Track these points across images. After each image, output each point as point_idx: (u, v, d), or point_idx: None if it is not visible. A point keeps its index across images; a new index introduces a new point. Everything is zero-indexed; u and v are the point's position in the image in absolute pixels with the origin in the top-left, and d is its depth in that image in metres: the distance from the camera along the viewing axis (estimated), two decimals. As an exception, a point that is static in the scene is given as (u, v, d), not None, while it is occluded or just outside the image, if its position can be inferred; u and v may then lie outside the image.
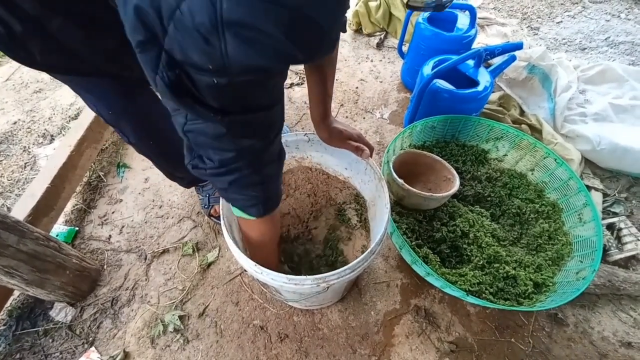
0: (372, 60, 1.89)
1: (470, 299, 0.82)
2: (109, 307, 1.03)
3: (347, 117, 1.60)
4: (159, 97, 0.42)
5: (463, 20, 1.47)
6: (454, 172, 1.06)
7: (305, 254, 0.99)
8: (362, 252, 0.77)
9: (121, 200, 1.29)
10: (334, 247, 0.98)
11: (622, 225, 1.15)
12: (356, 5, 2.01)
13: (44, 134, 1.54)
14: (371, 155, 0.84)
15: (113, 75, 0.66)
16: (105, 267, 1.11)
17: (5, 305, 0.98)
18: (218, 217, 1.15)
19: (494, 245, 0.98)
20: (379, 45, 1.97)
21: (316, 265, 0.97)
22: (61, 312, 1.01)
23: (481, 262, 0.95)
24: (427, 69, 1.26)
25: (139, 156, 1.42)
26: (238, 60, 0.29)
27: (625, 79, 1.48)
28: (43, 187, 1.06)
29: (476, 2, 2.18)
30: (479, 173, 1.19)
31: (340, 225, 1.02)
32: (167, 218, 1.23)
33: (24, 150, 1.47)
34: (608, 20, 2.10)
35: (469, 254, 0.98)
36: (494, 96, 1.54)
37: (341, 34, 0.78)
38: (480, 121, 1.21)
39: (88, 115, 1.31)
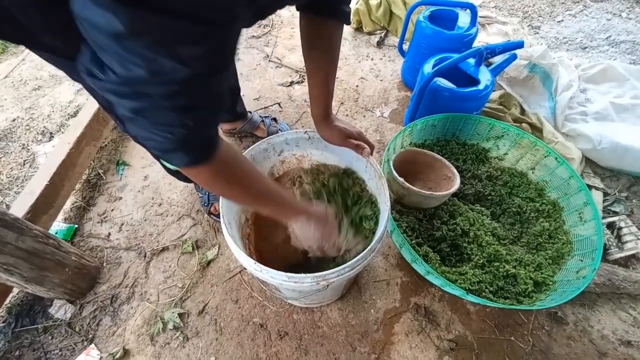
0: (372, 59, 1.89)
1: (470, 298, 0.82)
2: (108, 304, 1.03)
3: (347, 115, 1.59)
4: None
5: (464, 18, 1.46)
6: (455, 170, 1.06)
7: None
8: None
9: (120, 198, 1.28)
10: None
11: (622, 224, 1.15)
12: (357, 3, 2.00)
13: (43, 131, 1.53)
14: (372, 154, 0.84)
15: (58, 52, 0.59)
16: (104, 264, 1.11)
17: (5, 303, 0.98)
18: (218, 215, 1.15)
19: (494, 244, 0.98)
20: (380, 44, 1.96)
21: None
22: (60, 310, 1.01)
23: (481, 261, 0.94)
24: (428, 68, 1.25)
25: (139, 154, 1.42)
26: None
27: (627, 78, 1.47)
28: (42, 184, 1.06)
29: (477, 0, 2.17)
30: (480, 172, 1.19)
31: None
32: (167, 216, 1.23)
33: (23, 148, 1.47)
34: (609, 19, 2.10)
35: (469, 252, 0.98)
36: (494, 95, 1.54)
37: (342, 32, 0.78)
38: (480, 120, 1.21)
39: (87, 112, 1.31)
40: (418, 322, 0.99)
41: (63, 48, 0.54)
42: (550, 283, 0.92)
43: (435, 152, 1.16)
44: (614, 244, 1.11)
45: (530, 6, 2.25)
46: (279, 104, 1.62)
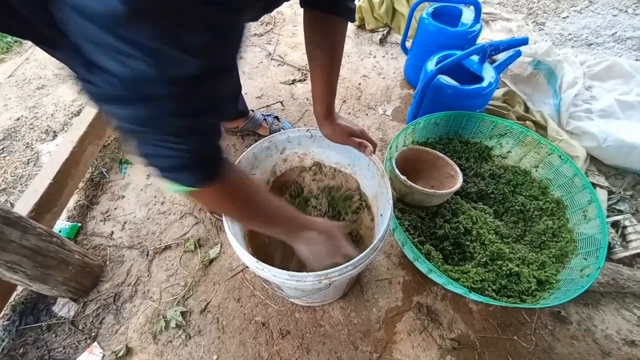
0: (375, 57, 1.88)
1: (473, 296, 0.82)
2: (111, 302, 1.04)
3: (349, 113, 1.59)
4: None
5: (467, 15, 1.45)
6: (457, 168, 1.05)
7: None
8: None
9: (123, 197, 1.29)
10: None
11: (627, 222, 1.14)
12: (359, 0, 1.99)
13: (46, 130, 1.54)
14: (374, 152, 0.84)
15: (47, 41, 0.57)
16: (107, 263, 1.12)
17: (9, 301, 0.99)
18: (220, 214, 1.15)
19: (497, 242, 0.97)
20: (382, 41, 1.95)
21: None
22: (64, 308, 1.02)
23: (484, 259, 0.94)
24: (431, 65, 1.24)
25: (141, 152, 1.42)
26: None
27: (633, 75, 1.46)
28: (46, 183, 1.06)
29: (481, -3, 2.15)
30: (483, 170, 1.18)
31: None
32: (169, 214, 1.23)
33: (27, 147, 1.48)
34: (615, 15, 2.07)
35: (471, 251, 0.97)
36: (498, 92, 1.53)
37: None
38: (484, 117, 1.20)
39: (90, 111, 1.31)
40: (420, 321, 0.99)
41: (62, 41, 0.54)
42: (554, 282, 0.91)
43: (438, 150, 1.16)
44: (619, 243, 1.10)
45: (534, 2, 2.22)
46: (281, 102, 1.61)
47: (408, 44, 1.67)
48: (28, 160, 1.43)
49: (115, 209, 1.26)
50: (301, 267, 0.87)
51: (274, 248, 0.95)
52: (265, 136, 0.90)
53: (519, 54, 1.23)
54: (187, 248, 1.14)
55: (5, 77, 1.81)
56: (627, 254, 1.07)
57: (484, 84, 1.17)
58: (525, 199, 1.11)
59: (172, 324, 0.99)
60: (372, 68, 1.81)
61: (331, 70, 0.75)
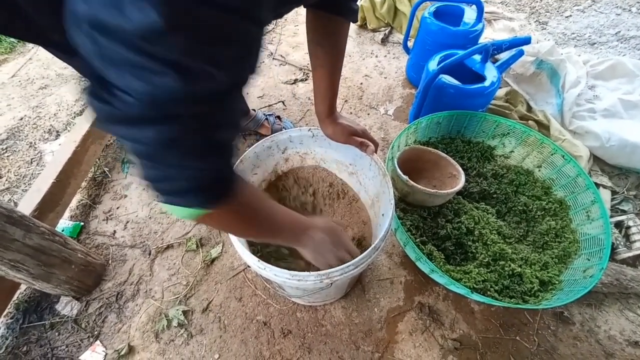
0: (376, 56, 1.87)
1: (475, 297, 0.81)
2: (113, 301, 1.04)
3: (351, 113, 1.58)
4: None
5: (470, 14, 1.44)
6: (459, 168, 1.05)
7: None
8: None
9: (126, 196, 1.29)
10: None
11: (630, 223, 1.13)
12: (361, 0, 1.99)
13: (49, 129, 1.55)
14: (376, 151, 0.84)
15: (56, 44, 0.58)
16: (110, 262, 1.12)
17: (13, 299, 0.99)
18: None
19: (499, 243, 0.97)
20: (384, 41, 1.95)
21: None
22: (67, 306, 1.02)
23: (486, 260, 0.94)
24: (433, 64, 1.24)
25: (144, 152, 1.43)
26: None
27: (636, 74, 1.45)
28: (49, 182, 1.07)
29: (483, -4, 2.15)
30: (485, 170, 1.18)
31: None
32: (171, 214, 1.24)
33: (30, 146, 1.49)
34: (619, 14, 2.06)
35: (474, 251, 0.97)
36: (500, 92, 1.52)
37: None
38: (486, 117, 1.19)
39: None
40: (422, 321, 0.98)
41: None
42: (557, 282, 0.91)
43: (440, 149, 1.15)
44: (622, 243, 1.09)
45: (537, 1, 2.21)
46: (282, 101, 1.62)
47: (410, 44, 1.67)
48: (31, 159, 1.44)
49: (117, 208, 1.26)
50: (307, 266, 0.87)
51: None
52: (266, 136, 0.90)
53: (521, 53, 1.22)
54: (189, 247, 1.14)
55: (8, 77, 1.82)
56: (630, 254, 1.07)
57: (486, 83, 1.17)
58: (528, 199, 1.11)
59: (174, 323, 0.99)
60: (374, 67, 1.80)
61: (333, 70, 0.75)
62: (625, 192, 1.24)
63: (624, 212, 1.19)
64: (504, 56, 1.29)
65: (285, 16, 2.21)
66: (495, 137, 1.23)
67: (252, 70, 0.35)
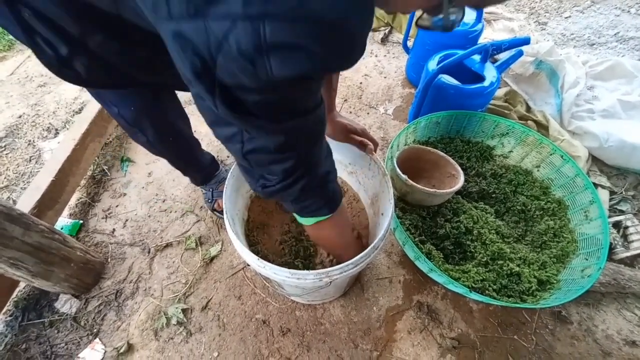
0: (376, 56, 1.88)
1: (474, 296, 0.82)
2: (113, 299, 1.04)
3: (350, 112, 1.59)
4: (217, 121, 0.41)
5: (469, 14, 1.44)
6: (459, 168, 1.05)
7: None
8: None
9: (125, 194, 1.29)
10: None
11: (628, 223, 1.14)
12: (361, -1, 1.98)
13: (48, 127, 1.54)
14: (375, 151, 0.84)
15: (147, 84, 0.69)
16: (109, 260, 1.12)
17: (12, 297, 0.99)
18: (221, 212, 1.15)
19: (498, 242, 0.97)
20: (384, 40, 1.95)
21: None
22: (66, 304, 1.02)
23: (485, 259, 0.94)
24: (433, 64, 1.24)
25: (143, 150, 1.41)
26: (282, 75, 0.31)
27: (635, 75, 1.45)
28: (48, 180, 1.07)
29: (483, -4, 2.14)
30: (484, 169, 1.18)
31: None
32: (171, 212, 1.24)
33: (29, 144, 1.48)
34: (618, 15, 2.06)
35: (472, 250, 0.97)
36: (500, 92, 1.52)
37: None
38: (485, 117, 1.20)
39: (92, 109, 1.31)
40: (420, 319, 0.99)
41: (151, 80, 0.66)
42: (555, 282, 0.91)
43: (439, 149, 1.16)
44: (620, 243, 1.10)
45: (537, 2, 2.22)
46: (282, 100, 1.61)
47: (410, 43, 1.67)
48: (30, 157, 1.44)
49: (116, 206, 1.26)
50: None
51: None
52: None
53: (520, 53, 1.22)
54: (189, 246, 1.14)
55: (7, 74, 1.82)
56: (628, 254, 1.07)
57: (486, 83, 1.17)
58: (526, 198, 1.11)
59: (173, 321, 0.99)
60: (374, 67, 1.81)
61: (333, 70, 0.76)
62: (624, 193, 1.24)
63: (622, 212, 1.20)
64: (503, 56, 1.29)
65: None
66: (495, 137, 1.24)
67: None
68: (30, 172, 1.38)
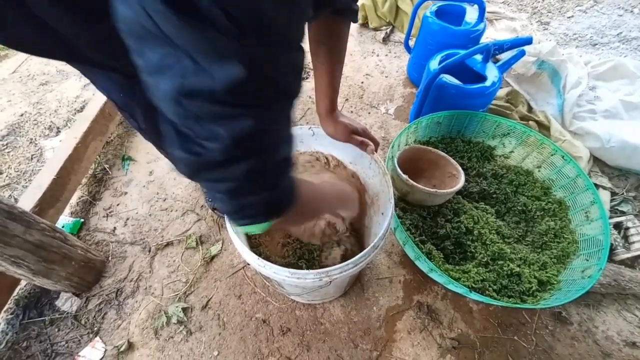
0: (378, 55, 1.87)
1: (474, 296, 0.82)
2: (113, 298, 1.05)
3: (352, 111, 1.58)
4: (148, 40, 0.26)
5: (471, 14, 1.44)
6: (459, 168, 1.05)
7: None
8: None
9: (126, 193, 1.30)
10: None
11: (629, 224, 1.14)
12: (363, -2, 1.98)
13: (50, 126, 1.55)
14: (376, 150, 0.84)
15: (98, 64, 0.60)
16: (110, 258, 1.13)
17: (13, 295, 0.99)
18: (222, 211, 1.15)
19: (498, 243, 0.97)
20: (385, 40, 1.95)
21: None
22: (67, 302, 1.03)
23: (485, 259, 0.94)
24: (434, 64, 1.24)
25: (144, 149, 1.43)
26: None
27: (637, 75, 1.45)
28: (49, 178, 1.07)
29: (485, -5, 2.14)
30: (485, 170, 1.18)
31: None
32: (171, 211, 1.24)
33: (30, 142, 1.49)
34: (621, 15, 2.05)
35: (473, 250, 0.97)
36: (501, 92, 1.52)
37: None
38: (487, 117, 1.19)
39: (94, 107, 1.32)
40: (420, 320, 0.99)
41: (104, 60, 0.56)
42: (555, 282, 0.91)
43: (440, 149, 1.15)
44: (621, 244, 1.10)
45: (539, 1, 2.21)
46: (283, 100, 1.61)
47: (411, 43, 1.67)
48: (32, 156, 1.44)
49: (117, 205, 1.26)
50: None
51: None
52: (267, 134, 0.90)
53: (522, 53, 1.22)
54: (189, 245, 1.14)
55: (9, 72, 1.82)
56: (629, 255, 1.07)
57: (487, 83, 1.17)
58: (527, 199, 1.11)
59: (174, 320, 0.99)
60: (375, 67, 1.80)
61: (334, 69, 0.75)
62: (625, 194, 1.24)
63: (623, 213, 1.19)
64: (505, 56, 1.29)
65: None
66: (496, 137, 1.24)
67: (299, 91, 0.38)
68: (32, 170, 1.39)
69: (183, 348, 0.96)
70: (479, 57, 1.23)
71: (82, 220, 1.21)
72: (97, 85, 0.71)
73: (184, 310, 1.01)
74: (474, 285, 0.88)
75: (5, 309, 0.99)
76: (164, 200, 1.27)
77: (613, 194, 1.24)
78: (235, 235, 0.69)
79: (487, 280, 0.90)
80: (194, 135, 0.31)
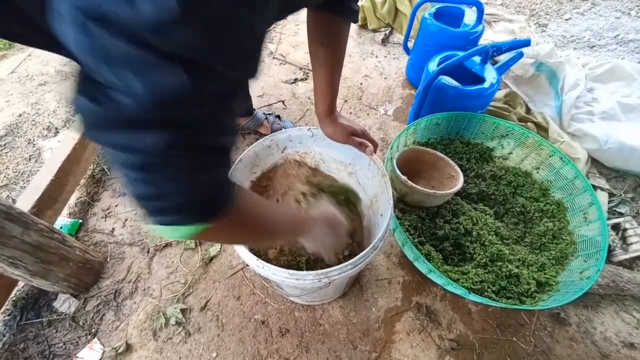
0: (377, 56, 1.88)
1: (472, 297, 0.82)
2: (111, 299, 1.04)
3: (351, 113, 1.59)
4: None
5: (470, 16, 1.45)
6: (458, 169, 1.05)
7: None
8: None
9: (125, 194, 1.29)
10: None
11: (627, 225, 1.14)
12: (361, 0, 1.99)
13: (48, 126, 1.54)
14: (375, 152, 0.84)
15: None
16: (108, 259, 1.12)
17: (10, 296, 0.99)
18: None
19: (497, 244, 0.97)
20: (384, 41, 1.95)
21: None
22: (65, 304, 1.02)
23: (484, 260, 0.94)
24: (433, 65, 1.24)
25: (143, 150, 1.42)
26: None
27: (635, 77, 1.45)
28: (47, 179, 1.07)
29: (483, -2, 2.15)
30: (483, 171, 1.18)
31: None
32: (170, 212, 1.24)
33: (28, 143, 1.48)
34: (618, 18, 2.07)
35: (471, 251, 0.97)
36: (500, 93, 1.53)
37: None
38: (485, 118, 1.20)
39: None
40: (419, 321, 0.99)
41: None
42: (553, 283, 0.91)
43: (439, 150, 1.16)
44: (619, 245, 1.10)
45: (537, 4, 2.22)
46: (282, 101, 1.62)
47: (410, 44, 1.68)
48: (30, 156, 1.43)
49: (116, 206, 1.26)
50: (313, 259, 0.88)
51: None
52: (266, 135, 0.91)
53: (521, 55, 1.23)
54: (188, 246, 1.14)
55: (7, 73, 1.82)
56: (627, 256, 1.07)
57: (486, 85, 1.17)
58: (525, 200, 1.11)
59: (172, 321, 0.99)
60: (374, 68, 1.81)
61: (333, 70, 0.75)
62: (623, 195, 1.25)
63: (621, 214, 1.20)
64: (503, 58, 1.29)
65: (286, 15, 2.22)
66: (494, 139, 1.24)
67: (255, 71, 0.32)
68: (30, 171, 1.38)
69: (182, 349, 0.95)
70: (477, 58, 1.24)
71: (81, 221, 1.21)
72: None
73: (183, 311, 1.01)
74: (472, 286, 0.88)
75: (2, 310, 0.99)
76: (163, 201, 1.27)
77: (611, 195, 1.25)
78: (234, 236, 0.69)
79: (486, 281, 0.90)
80: (102, 79, 0.24)
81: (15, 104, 1.65)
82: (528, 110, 1.48)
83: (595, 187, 1.24)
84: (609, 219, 1.17)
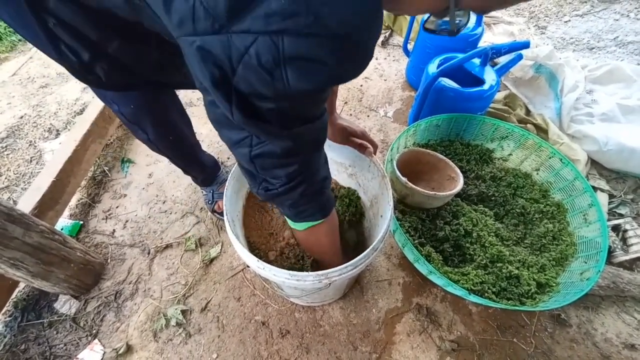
0: (376, 58, 1.88)
1: (473, 298, 0.82)
2: (112, 300, 1.04)
3: (351, 114, 1.59)
4: (229, 126, 0.43)
5: (470, 18, 1.45)
6: (458, 171, 1.05)
7: None
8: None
9: (125, 195, 1.30)
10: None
11: (627, 226, 1.14)
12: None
13: (49, 128, 1.55)
14: (375, 153, 0.84)
15: (158, 84, 0.71)
16: (109, 261, 1.12)
17: (11, 297, 0.99)
18: (221, 213, 1.15)
19: (497, 245, 0.98)
20: (384, 43, 1.96)
21: None
22: (65, 305, 1.02)
23: (484, 262, 0.94)
24: (433, 67, 1.25)
25: (144, 151, 1.43)
26: (297, 87, 0.34)
27: (634, 79, 1.46)
28: (48, 181, 1.07)
29: (483, 0, 2.16)
30: (483, 172, 1.19)
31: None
32: (171, 213, 1.24)
33: (30, 145, 1.49)
34: (617, 20, 2.07)
35: (471, 253, 0.97)
36: (499, 95, 1.53)
37: None
38: (485, 120, 1.20)
39: (93, 110, 1.32)
40: (420, 322, 0.99)
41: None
42: (554, 285, 0.91)
43: (439, 152, 1.16)
44: (619, 247, 1.10)
45: (536, 6, 2.23)
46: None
47: (410, 47, 1.68)
48: (31, 158, 1.44)
49: (117, 207, 1.26)
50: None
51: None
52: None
53: (520, 57, 1.23)
54: (188, 247, 1.14)
55: (9, 75, 1.82)
56: (627, 257, 1.07)
57: (486, 86, 1.17)
58: (525, 201, 1.11)
59: (173, 322, 0.99)
60: (374, 70, 1.81)
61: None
62: (623, 196, 1.25)
63: (621, 215, 1.20)
64: (503, 60, 1.30)
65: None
66: (494, 140, 1.24)
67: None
68: (31, 172, 1.39)
69: (182, 350, 0.95)
70: (477, 60, 1.24)
71: (82, 222, 1.21)
72: (108, 102, 0.75)
73: (183, 312, 1.01)
74: (473, 287, 0.88)
75: (3, 311, 0.99)
76: (164, 202, 1.27)
77: (611, 196, 1.25)
78: (234, 238, 0.69)
79: (486, 282, 0.90)
80: (263, 177, 0.50)
81: (17, 106, 1.65)
82: (528, 112, 1.49)
83: (595, 189, 1.24)
84: (609, 220, 1.17)
